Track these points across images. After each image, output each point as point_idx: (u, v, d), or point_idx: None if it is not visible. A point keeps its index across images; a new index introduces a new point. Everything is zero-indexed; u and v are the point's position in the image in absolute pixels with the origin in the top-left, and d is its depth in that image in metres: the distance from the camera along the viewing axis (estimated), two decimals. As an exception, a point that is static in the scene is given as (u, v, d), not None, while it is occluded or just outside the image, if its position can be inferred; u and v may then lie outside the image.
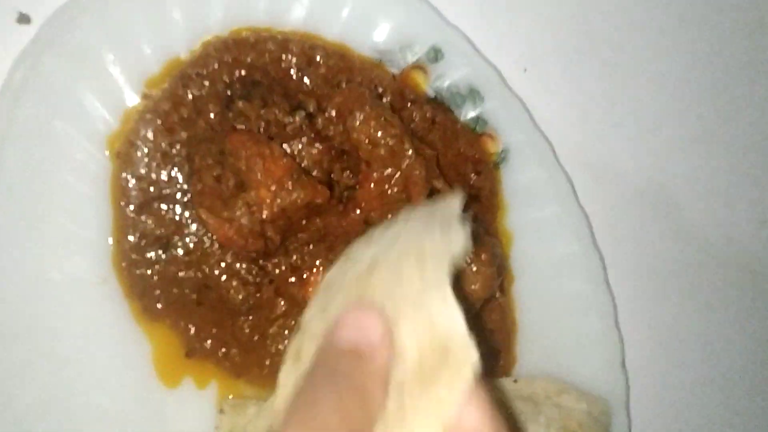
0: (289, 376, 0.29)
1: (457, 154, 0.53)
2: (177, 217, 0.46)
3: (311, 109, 0.46)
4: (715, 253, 0.60)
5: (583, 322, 0.54)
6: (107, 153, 0.45)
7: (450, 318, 0.28)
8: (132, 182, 0.46)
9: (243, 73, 0.47)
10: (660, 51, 0.59)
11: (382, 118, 0.44)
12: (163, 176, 0.46)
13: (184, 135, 0.45)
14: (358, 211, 0.47)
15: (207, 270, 0.46)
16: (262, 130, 0.45)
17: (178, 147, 0.45)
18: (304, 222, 0.46)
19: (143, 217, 0.45)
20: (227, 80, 0.47)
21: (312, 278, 0.47)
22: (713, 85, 0.60)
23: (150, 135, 0.45)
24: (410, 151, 0.45)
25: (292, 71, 0.48)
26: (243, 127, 0.45)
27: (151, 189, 0.46)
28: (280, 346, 0.48)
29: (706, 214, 0.60)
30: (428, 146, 0.48)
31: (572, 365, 0.53)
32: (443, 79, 0.51)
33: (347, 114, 0.44)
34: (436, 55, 0.50)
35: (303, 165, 0.44)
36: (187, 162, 0.44)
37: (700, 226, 0.60)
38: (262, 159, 0.42)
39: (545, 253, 0.53)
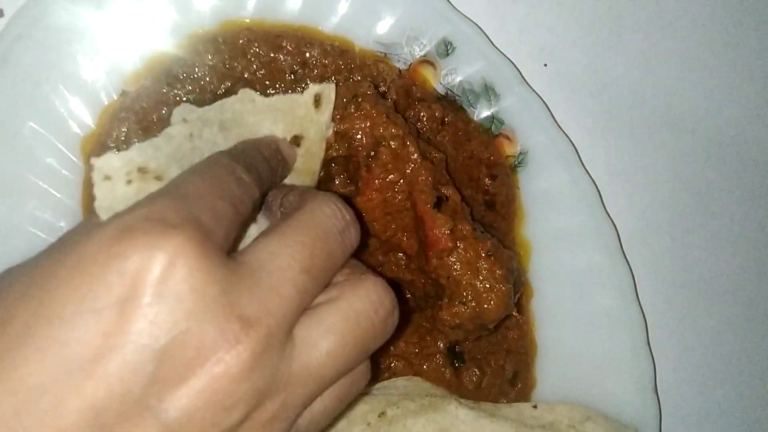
0: None
1: (470, 156, 0.48)
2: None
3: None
4: (756, 266, 0.55)
5: (611, 342, 0.49)
6: (81, 157, 0.41)
7: None
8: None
9: (224, 85, 0.43)
10: (694, 42, 0.53)
11: (384, 116, 0.39)
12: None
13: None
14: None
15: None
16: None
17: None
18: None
19: None
20: (215, 87, 0.42)
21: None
22: (753, 79, 0.54)
23: (124, 136, 0.41)
24: (415, 155, 0.40)
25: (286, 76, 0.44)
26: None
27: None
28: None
29: (745, 222, 0.55)
30: (436, 149, 0.43)
31: (598, 389, 0.49)
32: (454, 74, 0.46)
33: (342, 110, 0.40)
34: (446, 48, 0.46)
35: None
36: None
37: (739, 237, 0.54)
38: None
39: (568, 266, 0.49)
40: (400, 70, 0.46)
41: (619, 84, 0.52)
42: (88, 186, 0.42)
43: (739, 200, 0.54)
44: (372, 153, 0.40)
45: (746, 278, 0.54)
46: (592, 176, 0.48)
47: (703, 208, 0.54)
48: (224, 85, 0.43)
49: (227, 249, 0.26)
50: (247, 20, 0.43)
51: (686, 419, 0.53)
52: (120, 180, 0.27)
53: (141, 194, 0.27)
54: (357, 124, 0.40)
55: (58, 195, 0.41)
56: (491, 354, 0.49)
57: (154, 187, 0.27)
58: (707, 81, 0.54)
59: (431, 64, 0.46)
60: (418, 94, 0.46)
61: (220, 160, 0.29)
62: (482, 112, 0.47)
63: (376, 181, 0.40)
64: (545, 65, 0.51)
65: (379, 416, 0.44)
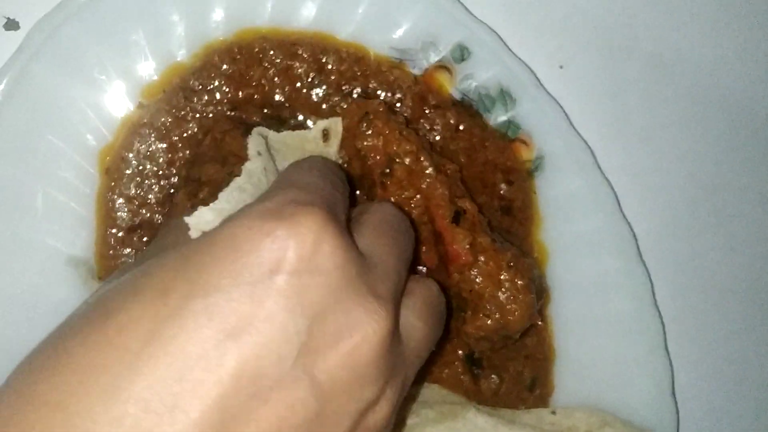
0: None
1: (485, 162, 0.48)
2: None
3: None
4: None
5: (628, 346, 0.49)
6: (98, 169, 0.41)
7: None
8: (120, 203, 0.42)
9: (242, 94, 0.43)
10: (710, 43, 0.53)
11: (397, 133, 0.39)
12: (156, 198, 0.42)
13: (184, 153, 0.41)
14: None
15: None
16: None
17: (176, 166, 0.41)
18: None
19: (127, 250, 0.41)
20: (232, 99, 0.42)
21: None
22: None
23: (144, 150, 0.41)
24: (430, 169, 0.40)
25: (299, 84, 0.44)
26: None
27: (142, 212, 0.42)
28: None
29: (765, 226, 0.54)
30: (450, 159, 0.43)
31: (616, 394, 0.49)
32: (470, 80, 0.46)
33: (355, 129, 0.39)
34: (462, 53, 0.46)
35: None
36: (185, 184, 0.40)
37: (758, 240, 0.54)
38: None
39: (586, 271, 0.48)
40: (415, 76, 0.46)
41: (636, 86, 0.52)
42: (102, 197, 0.42)
43: (758, 203, 0.54)
44: (386, 170, 0.40)
45: (766, 282, 0.54)
46: (610, 180, 0.48)
47: (722, 211, 0.53)
48: (241, 92, 0.43)
49: None
50: (263, 29, 0.43)
51: (704, 424, 0.53)
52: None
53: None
54: (370, 142, 0.40)
55: (77, 207, 0.41)
56: (509, 360, 0.49)
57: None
58: (724, 82, 0.53)
59: (447, 69, 0.46)
60: (434, 101, 0.46)
61: (317, 159, 0.33)
62: (499, 117, 0.47)
63: (392, 198, 0.40)
64: (561, 67, 0.51)
65: (398, 424, 0.45)
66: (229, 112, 0.42)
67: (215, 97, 0.42)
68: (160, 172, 0.42)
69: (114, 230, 0.42)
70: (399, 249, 0.31)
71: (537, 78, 0.47)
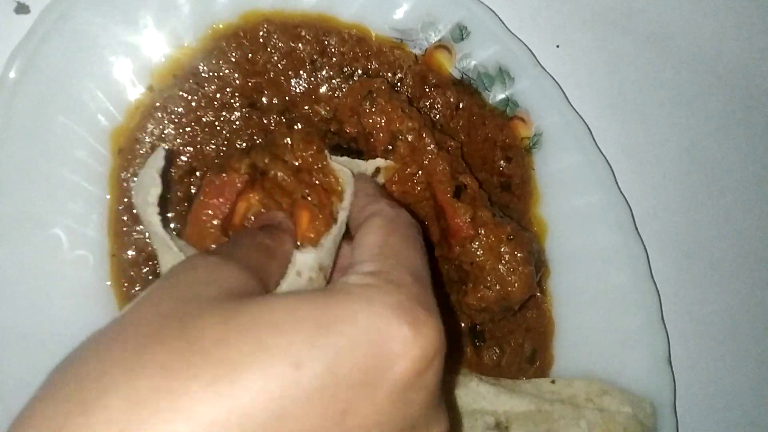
0: None
1: (485, 140, 0.49)
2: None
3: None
4: (766, 241, 0.55)
5: (626, 318, 0.50)
6: (110, 149, 0.42)
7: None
8: (133, 181, 0.43)
9: (253, 82, 0.44)
10: (705, 20, 0.54)
11: (399, 110, 0.40)
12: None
13: (198, 136, 0.42)
14: None
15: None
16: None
17: (188, 149, 0.42)
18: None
19: (140, 227, 0.42)
20: (242, 83, 0.44)
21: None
22: (765, 59, 0.55)
23: (157, 132, 0.42)
24: (432, 146, 0.41)
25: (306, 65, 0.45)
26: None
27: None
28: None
29: (756, 199, 0.55)
30: (451, 137, 0.44)
31: (614, 364, 0.50)
32: (469, 58, 0.47)
33: (358, 107, 0.40)
34: (461, 33, 0.47)
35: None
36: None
37: (750, 213, 0.55)
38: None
39: (583, 244, 0.50)
40: (416, 56, 0.47)
41: (631, 64, 0.53)
42: (116, 177, 0.43)
43: (750, 177, 0.55)
44: (389, 147, 0.41)
45: (758, 253, 0.55)
46: (606, 155, 0.49)
47: (715, 184, 0.55)
48: (250, 81, 0.44)
49: None
50: (267, 11, 0.44)
51: (699, 391, 0.54)
52: (305, 276, 0.33)
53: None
54: (373, 119, 0.41)
55: (89, 187, 0.42)
56: (510, 333, 0.50)
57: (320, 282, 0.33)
58: (718, 60, 0.54)
59: (447, 49, 0.47)
60: (434, 80, 0.47)
61: (401, 215, 0.34)
62: (497, 95, 0.48)
63: (396, 174, 0.41)
64: (557, 47, 0.52)
65: (403, 394, 0.46)
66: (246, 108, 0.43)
67: (226, 85, 0.43)
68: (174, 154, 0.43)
69: (126, 214, 0.43)
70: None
71: (535, 57, 0.48)
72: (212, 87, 0.43)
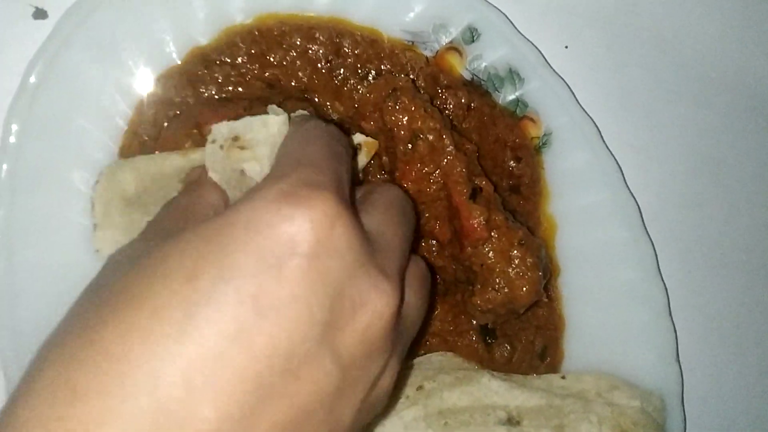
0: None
1: (495, 140, 0.50)
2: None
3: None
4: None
5: (634, 314, 0.51)
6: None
7: None
8: None
9: (268, 74, 0.45)
10: (712, 20, 0.55)
11: (422, 110, 0.41)
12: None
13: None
14: None
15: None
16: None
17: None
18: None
19: None
20: (258, 73, 0.44)
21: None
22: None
23: (159, 124, 0.43)
24: (451, 147, 0.41)
25: (320, 65, 0.46)
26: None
27: None
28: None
29: (763, 195, 0.56)
30: (468, 139, 0.45)
31: (623, 360, 0.51)
32: (480, 60, 0.48)
33: (382, 103, 0.41)
34: (472, 35, 0.47)
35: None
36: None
37: (757, 208, 0.56)
38: None
39: (593, 242, 0.50)
40: (427, 58, 0.47)
41: (638, 64, 0.53)
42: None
43: (758, 175, 0.56)
44: (409, 145, 0.42)
45: (765, 249, 0.56)
46: (614, 154, 0.50)
47: (722, 182, 0.55)
48: (267, 72, 0.44)
49: None
50: (281, 14, 0.45)
51: (707, 387, 0.55)
52: (218, 144, 0.33)
53: (229, 159, 0.32)
54: (396, 117, 0.41)
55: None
56: (521, 330, 0.51)
57: (237, 153, 0.32)
58: (724, 59, 0.55)
59: (457, 50, 0.48)
60: (445, 81, 0.48)
61: (315, 122, 0.33)
62: (507, 96, 0.49)
63: (413, 172, 0.42)
64: (566, 47, 0.52)
65: (417, 389, 0.47)
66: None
67: (241, 70, 0.44)
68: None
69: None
70: (404, 230, 0.33)
71: (544, 57, 0.48)
72: (224, 69, 0.44)
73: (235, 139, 0.32)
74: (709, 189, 0.55)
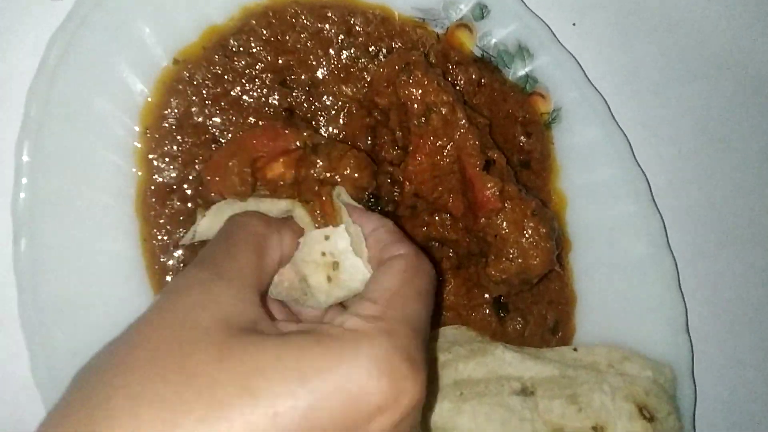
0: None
1: (505, 116, 0.50)
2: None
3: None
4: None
5: (644, 287, 0.51)
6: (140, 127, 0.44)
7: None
8: (162, 163, 0.45)
9: (283, 60, 0.46)
10: (720, 2, 0.55)
11: (435, 83, 0.41)
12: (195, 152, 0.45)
13: (225, 112, 0.44)
14: (407, 185, 0.46)
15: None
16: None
17: (214, 123, 0.44)
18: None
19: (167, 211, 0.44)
20: (273, 60, 0.45)
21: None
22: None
23: (182, 108, 0.44)
24: (463, 121, 0.42)
25: (331, 47, 0.46)
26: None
27: (184, 174, 0.45)
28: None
29: (766, 170, 0.57)
30: (480, 114, 0.45)
31: (634, 332, 0.51)
32: (490, 36, 0.48)
33: (395, 78, 0.42)
34: (481, 11, 0.48)
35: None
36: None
37: (764, 182, 0.57)
38: None
39: (603, 217, 0.51)
40: (438, 35, 0.48)
41: (645, 40, 0.54)
42: (144, 157, 0.45)
43: (762, 147, 0.56)
44: (423, 119, 0.42)
45: (771, 222, 0.56)
46: (623, 129, 0.50)
47: (729, 156, 0.56)
48: (280, 58, 0.45)
49: None
50: (294, -8, 0.45)
51: (718, 358, 0.56)
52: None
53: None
54: (409, 91, 0.42)
55: (124, 165, 0.44)
56: (534, 304, 0.52)
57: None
58: (731, 30, 0.55)
59: (467, 27, 0.48)
60: (456, 57, 0.48)
61: (424, 267, 0.36)
62: (517, 72, 0.49)
63: (427, 146, 0.43)
64: (574, 24, 0.53)
65: (432, 362, 0.47)
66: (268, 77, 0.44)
67: (256, 61, 0.45)
68: (200, 129, 0.44)
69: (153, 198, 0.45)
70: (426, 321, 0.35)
71: (553, 33, 0.49)
72: (242, 62, 0.45)
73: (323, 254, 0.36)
74: (718, 164, 0.56)
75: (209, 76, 0.45)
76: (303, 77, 0.46)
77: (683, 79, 0.55)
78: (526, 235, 0.45)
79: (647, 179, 0.51)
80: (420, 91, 0.42)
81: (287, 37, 0.45)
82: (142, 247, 0.45)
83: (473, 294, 0.50)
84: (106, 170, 0.43)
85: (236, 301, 0.31)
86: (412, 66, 0.42)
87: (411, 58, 0.42)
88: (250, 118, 0.46)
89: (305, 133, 0.40)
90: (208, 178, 0.42)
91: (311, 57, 0.46)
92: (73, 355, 0.42)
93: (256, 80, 0.45)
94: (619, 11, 0.54)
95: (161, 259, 0.45)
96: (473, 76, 0.48)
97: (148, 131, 0.44)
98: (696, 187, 0.56)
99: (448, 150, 0.43)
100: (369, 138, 0.47)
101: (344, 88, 0.47)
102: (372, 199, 0.46)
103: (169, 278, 0.45)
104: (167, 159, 0.45)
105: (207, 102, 0.45)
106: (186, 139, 0.45)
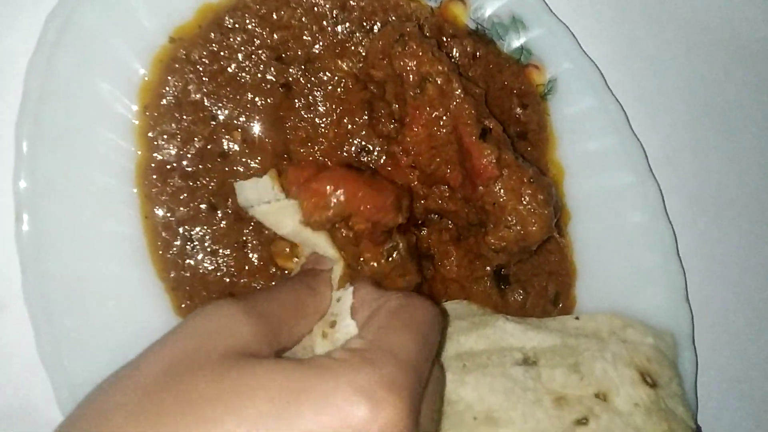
0: None
1: (501, 88, 0.51)
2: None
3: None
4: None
5: (643, 256, 0.52)
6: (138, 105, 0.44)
7: None
8: (161, 141, 0.45)
9: (279, 35, 0.46)
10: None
11: (430, 54, 0.42)
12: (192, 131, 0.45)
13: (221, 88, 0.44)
14: (405, 158, 0.46)
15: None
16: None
17: (212, 100, 0.44)
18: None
19: (168, 189, 0.45)
20: (267, 36, 0.45)
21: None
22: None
23: (180, 85, 0.44)
24: (459, 91, 0.42)
25: (326, 22, 0.47)
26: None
27: (183, 151, 0.45)
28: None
29: (763, 137, 0.57)
30: (476, 84, 0.46)
31: (634, 302, 0.51)
32: (483, 9, 0.49)
33: (390, 50, 0.42)
34: (474, -17, 0.48)
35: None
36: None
37: (758, 151, 0.57)
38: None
39: (600, 187, 0.51)
40: (432, 8, 0.48)
41: (639, 10, 0.54)
42: (143, 135, 0.45)
43: (757, 117, 0.56)
44: (418, 90, 0.42)
45: (765, 190, 0.57)
46: (619, 100, 0.51)
47: (725, 125, 0.56)
48: (276, 35, 0.45)
49: None
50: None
51: (718, 325, 0.56)
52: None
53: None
54: (404, 62, 0.42)
55: (124, 144, 0.44)
56: (534, 276, 0.52)
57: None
58: (727, 4, 0.56)
59: (461, 0, 0.48)
60: (450, 30, 0.48)
61: (423, 304, 0.36)
62: (511, 44, 0.50)
63: (423, 116, 0.43)
64: (567, -4, 0.53)
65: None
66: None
67: (253, 38, 0.45)
68: (198, 106, 0.45)
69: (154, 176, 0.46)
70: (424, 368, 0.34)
71: (546, 4, 0.49)
72: (238, 39, 0.45)
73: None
74: (714, 134, 0.56)
75: (205, 53, 0.45)
76: (299, 53, 0.47)
77: (678, 49, 0.55)
78: (524, 202, 0.45)
79: (644, 149, 0.51)
80: (415, 61, 0.42)
81: (282, 13, 0.46)
82: (143, 224, 0.45)
83: (475, 266, 0.50)
84: (106, 149, 0.44)
85: (254, 334, 0.32)
86: (407, 37, 0.42)
87: (405, 30, 0.43)
88: (248, 94, 0.46)
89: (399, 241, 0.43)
90: (308, 195, 0.41)
91: (306, 32, 0.46)
92: (77, 333, 0.43)
93: (253, 57, 0.46)
94: (611, -17, 0.54)
95: (163, 236, 0.45)
96: (468, 49, 0.49)
97: (146, 110, 0.45)
98: (693, 157, 0.56)
99: (444, 120, 0.43)
100: (366, 113, 0.48)
101: (340, 63, 0.47)
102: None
103: (170, 255, 0.46)
104: (166, 136, 0.45)
105: (204, 79, 0.45)
106: (185, 117, 0.45)
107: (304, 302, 0.38)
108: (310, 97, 0.47)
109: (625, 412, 0.46)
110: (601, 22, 0.54)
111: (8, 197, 0.42)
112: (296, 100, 0.47)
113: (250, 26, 0.46)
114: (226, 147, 0.46)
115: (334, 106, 0.48)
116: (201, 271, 0.46)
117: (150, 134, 0.45)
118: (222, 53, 0.45)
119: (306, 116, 0.47)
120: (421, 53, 0.42)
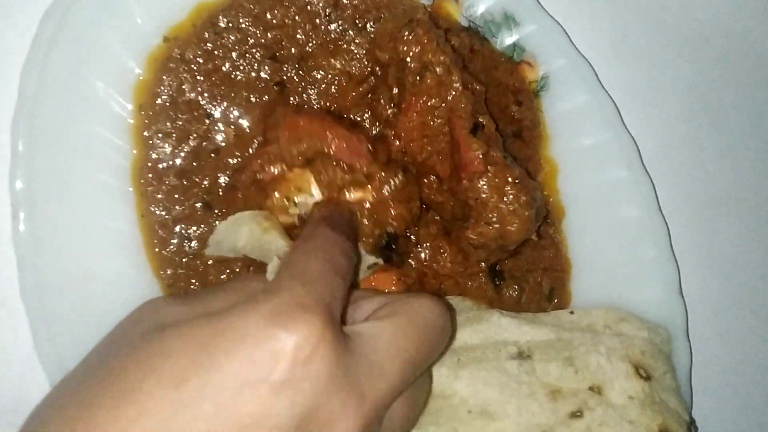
0: None
1: (498, 85, 0.51)
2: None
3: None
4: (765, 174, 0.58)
5: (637, 251, 0.52)
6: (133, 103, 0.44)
7: None
8: (156, 140, 0.45)
9: (273, 34, 0.46)
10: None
11: (435, 43, 0.42)
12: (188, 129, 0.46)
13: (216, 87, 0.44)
14: (396, 142, 0.46)
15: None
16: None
17: (207, 98, 0.45)
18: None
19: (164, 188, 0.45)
20: (261, 35, 0.46)
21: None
22: None
23: (174, 84, 0.44)
24: (457, 84, 0.42)
25: (319, 20, 0.47)
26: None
27: (178, 150, 0.45)
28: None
29: (756, 133, 0.57)
30: (477, 80, 0.46)
31: (628, 296, 0.52)
32: (476, 6, 0.49)
33: (397, 33, 0.42)
34: (466, -20, 0.48)
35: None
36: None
37: (751, 146, 0.57)
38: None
39: (594, 183, 0.52)
40: (425, 6, 0.49)
41: (632, 6, 0.55)
42: (138, 134, 0.45)
43: (750, 112, 0.57)
44: (418, 78, 0.43)
45: (760, 185, 0.57)
46: (611, 96, 0.51)
47: (717, 120, 0.57)
48: (270, 33, 0.46)
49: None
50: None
51: (712, 319, 0.56)
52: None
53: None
54: (408, 47, 0.42)
55: (119, 142, 0.44)
56: (529, 272, 0.52)
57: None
58: (717, 3, 0.56)
59: (454, -3, 0.49)
60: (445, 27, 0.49)
61: (323, 233, 0.36)
62: (504, 41, 0.50)
63: (419, 104, 0.43)
64: (559, -7, 0.54)
65: (429, 330, 0.48)
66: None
67: (247, 37, 0.45)
68: (190, 102, 0.45)
69: (149, 175, 0.46)
70: (417, 351, 0.34)
71: (538, 1, 0.50)
72: (231, 38, 0.45)
73: None
74: (706, 129, 0.57)
75: (200, 52, 0.45)
76: (293, 51, 0.47)
77: (670, 45, 0.56)
78: (506, 201, 0.45)
79: (636, 144, 0.52)
80: (418, 48, 0.42)
81: (275, 12, 0.46)
82: (139, 222, 0.45)
83: (469, 261, 0.50)
84: (102, 147, 0.44)
85: (176, 312, 0.33)
86: (415, 23, 0.42)
87: (415, 15, 0.43)
88: (243, 92, 0.46)
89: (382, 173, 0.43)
90: (285, 128, 0.42)
91: (299, 31, 0.47)
92: (75, 330, 0.43)
93: (247, 55, 0.46)
94: (603, -19, 0.54)
95: (159, 234, 0.46)
96: (466, 41, 0.49)
97: (141, 109, 0.45)
98: (685, 150, 0.56)
99: (439, 110, 0.43)
100: (367, 102, 0.48)
101: (333, 61, 0.48)
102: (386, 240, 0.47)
103: (166, 253, 0.46)
104: (161, 135, 0.45)
105: (199, 78, 0.46)
106: (179, 116, 0.46)
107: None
108: (304, 95, 0.48)
109: (619, 405, 0.46)
110: (593, 18, 0.54)
111: (4, 196, 0.42)
112: (290, 98, 0.47)
113: (243, 25, 0.46)
114: (220, 144, 0.47)
115: (327, 104, 0.48)
116: (198, 268, 0.47)
117: (145, 133, 0.45)
118: (216, 52, 0.46)
119: (300, 114, 0.48)
120: (426, 41, 0.42)
